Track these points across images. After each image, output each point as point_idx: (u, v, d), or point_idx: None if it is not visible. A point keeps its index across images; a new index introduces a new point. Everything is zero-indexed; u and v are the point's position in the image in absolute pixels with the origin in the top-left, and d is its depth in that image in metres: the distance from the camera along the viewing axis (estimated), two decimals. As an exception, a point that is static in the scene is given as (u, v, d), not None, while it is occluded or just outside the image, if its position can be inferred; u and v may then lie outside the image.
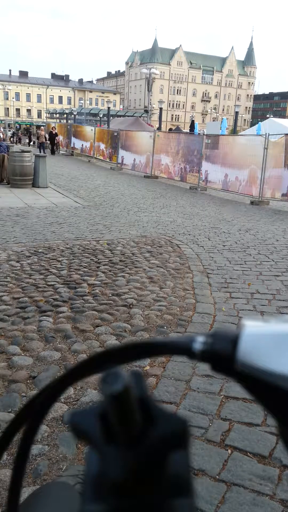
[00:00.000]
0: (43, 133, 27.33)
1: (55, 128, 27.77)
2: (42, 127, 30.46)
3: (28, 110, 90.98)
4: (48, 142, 27.08)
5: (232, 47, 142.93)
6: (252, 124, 76.91)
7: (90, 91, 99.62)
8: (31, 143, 37.90)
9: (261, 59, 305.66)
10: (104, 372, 0.26)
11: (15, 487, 0.39)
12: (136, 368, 2.88)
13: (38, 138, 28.32)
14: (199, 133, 21.38)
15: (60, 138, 30.28)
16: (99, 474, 0.26)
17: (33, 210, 9.03)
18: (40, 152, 24.82)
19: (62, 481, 1.76)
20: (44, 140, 26.52)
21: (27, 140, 40.58)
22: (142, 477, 0.25)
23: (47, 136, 26.91)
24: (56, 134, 26.95)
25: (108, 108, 33.15)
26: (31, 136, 39.88)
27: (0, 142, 14.21)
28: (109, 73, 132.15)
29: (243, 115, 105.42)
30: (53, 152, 26.73)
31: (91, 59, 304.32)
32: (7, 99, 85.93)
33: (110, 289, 4.52)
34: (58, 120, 49.95)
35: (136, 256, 5.82)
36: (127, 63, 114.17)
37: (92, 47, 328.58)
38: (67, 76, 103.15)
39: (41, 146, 26.32)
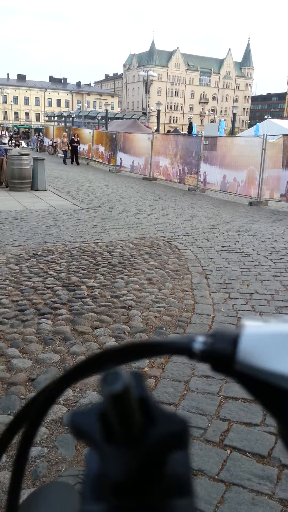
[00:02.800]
0: (66, 140, 23.19)
1: (78, 136, 23.11)
2: (65, 133, 24.52)
3: (26, 114, 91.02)
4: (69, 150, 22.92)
5: (229, 48, 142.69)
6: (250, 125, 76.99)
7: (88, 94, 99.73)
8: (35, 147, 35.08)
9: (258, 61, 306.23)
10: (104, 373, 0.26)
11: (14, 489, 0.39)
12: (135, 369, 2.88)
13: (59, 146, 24.47)
14: (197, 135, 21.44)
15: (59, 140, 29.96)
16: (99, 474, 0.26)
17: (32, 213, 9.04)
18: (67, 161, 22.30)
19: (62, 481, 1.76)
20: (67, 148, 22.76)
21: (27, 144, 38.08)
22: (142, 477, 0.25)
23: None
24: (78, 142, 22.56)
25: (106, 110, 33.14)
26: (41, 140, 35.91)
27: (-1, 146, 14.25)
28: (107, 75, 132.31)
29: (241, 116, 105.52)
30: (74, 161, 22.59)
31: (89, 62, 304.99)
32: (5, 102, 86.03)
33: (109, 291, 4.52)
34: (56, 123, 49.94)
35: (135, 258, 5.83)
36: (124, 65, 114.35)
37: (90, 50, 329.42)
38: (65, 79, 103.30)
39: (65, 155, 22.84)
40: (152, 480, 0.25)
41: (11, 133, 43.03)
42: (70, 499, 0.59)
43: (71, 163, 22.50)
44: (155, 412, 0.27)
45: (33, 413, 0.34)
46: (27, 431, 0.35)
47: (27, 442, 0.36)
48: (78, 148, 22.80)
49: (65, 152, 22.90)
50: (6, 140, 27.90)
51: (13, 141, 35.44)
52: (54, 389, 0.33)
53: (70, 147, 22.57)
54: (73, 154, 22.66)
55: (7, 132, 32.79)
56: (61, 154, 24.32)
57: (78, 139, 22.70)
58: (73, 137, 22.66)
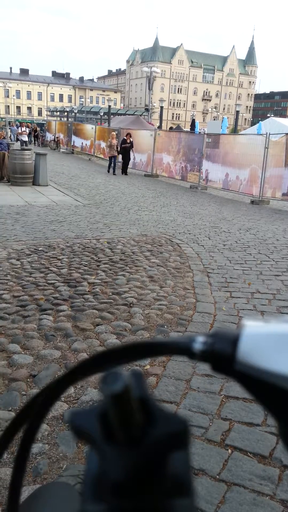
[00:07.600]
0: (115, 141, 16.93)
1: (130, 135, 17.15)
2: (113, 133, 17.68)
3: (29, 108, 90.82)
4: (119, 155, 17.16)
5: (233, 46, 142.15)
6: (252, 123, 76.90)
7: (91, 89, 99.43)
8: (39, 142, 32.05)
9: (262, 58, 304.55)
10: (104, 372, 0.26)
11: (15, 486, 0.39)
12: (136, 367, 2.88)
13: (108, 148, 17.38)
14: (199, 132, 21.37)
15: (61, 136, 29.72)
16: (99, 474, 0.26)
17: (33, 208, 9.02)
18: (112, 171, 16.84)
19: (62, 481, 1.76)
20: (115, 154, 16.95)
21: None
22: (142, 477, 0.25)
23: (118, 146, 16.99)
24: (131, 145, 16.82)
25: (109, 106, 32.99)
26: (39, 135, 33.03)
27: (1, 140, 14.17)
28: (110, 71, 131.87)
29: (243, 114, 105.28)
30: (124, 171, 17.12)
31: (92, 57, 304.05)
32: (8, 96, 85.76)
33: (111, 288, 4.51)
34: (58, 118, 49.82)
35: (136, 255, 5.82)
36: (128, 61, 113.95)
37: (93, 45, 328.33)
38: (68, 74, 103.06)
39: (112, 161, 17.02)
40: (152, 480, 0.25)
41: (29, 129, 38.53)
42: (70, 499, 0.59)
43: (113, 172, 16.95)
44: (155, 412, 0.27)
45: (35, 411, 0.35)
46: (29, 428, 0.36)
47: (28, 439, 0.36)
48: (131, 153, 17.05)
49: (113, 158, 16.99)
50: (26, 138, 26.56)
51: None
52: (55, 389, 0.33)
53: (120, 151, 16.91)
54: (125, 160, 17.09)
55: (27, 129, 30.49)
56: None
57: (131, 139, 16.93)
58: (126, 138, 16.92)
